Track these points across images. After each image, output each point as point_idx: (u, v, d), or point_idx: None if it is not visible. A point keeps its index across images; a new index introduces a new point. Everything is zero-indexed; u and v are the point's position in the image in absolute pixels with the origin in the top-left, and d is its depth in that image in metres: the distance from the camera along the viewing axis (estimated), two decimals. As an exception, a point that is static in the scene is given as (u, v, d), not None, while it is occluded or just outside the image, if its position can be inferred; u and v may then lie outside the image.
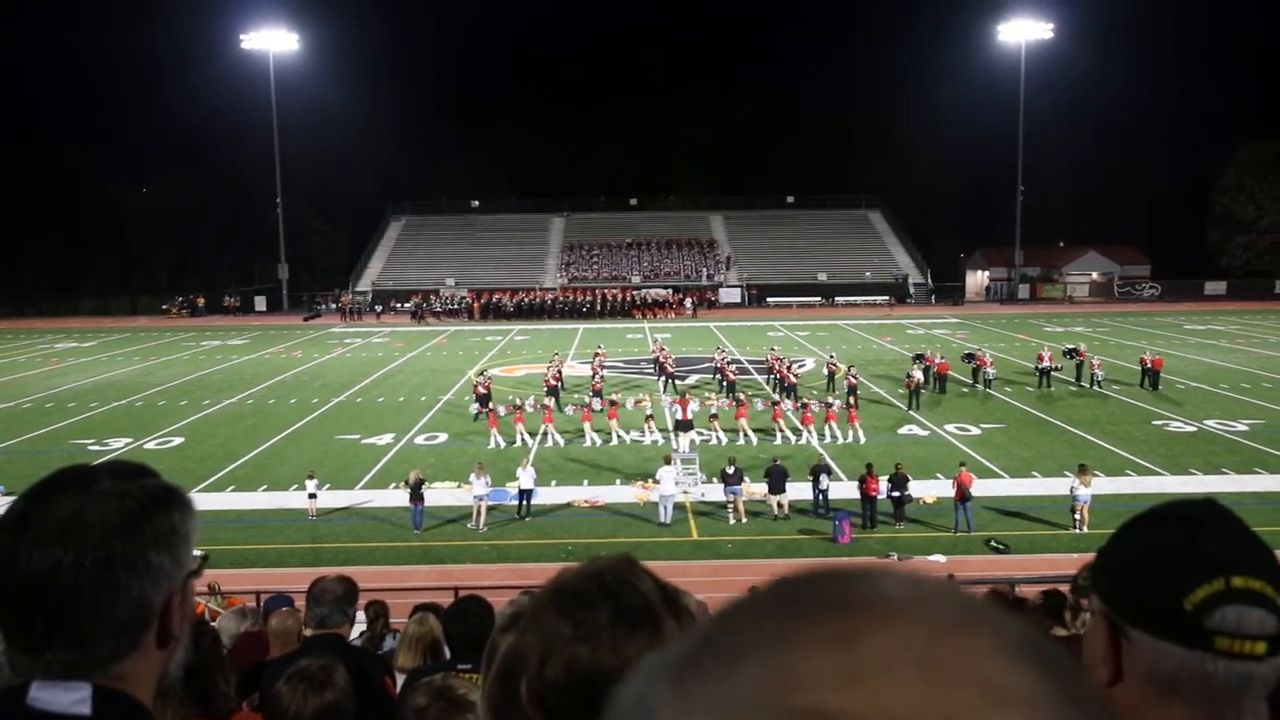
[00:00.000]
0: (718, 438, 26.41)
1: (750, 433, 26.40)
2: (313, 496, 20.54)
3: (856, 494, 19.95)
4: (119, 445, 27.16)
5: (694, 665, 0.50)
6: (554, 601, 1.25)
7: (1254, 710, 1.11)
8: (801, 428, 26.88)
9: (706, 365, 38.53)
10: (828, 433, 26.53)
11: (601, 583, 1.25)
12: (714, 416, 27.08)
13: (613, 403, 27.89)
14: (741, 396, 28.62)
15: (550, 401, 29.27)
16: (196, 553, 1.40)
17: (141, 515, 1.31)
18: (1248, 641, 1.09)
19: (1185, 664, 1.11)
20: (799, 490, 20.53)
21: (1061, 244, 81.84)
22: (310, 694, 3.16)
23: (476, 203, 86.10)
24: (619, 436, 26.63)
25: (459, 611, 4.75)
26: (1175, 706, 1.12)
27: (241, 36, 73.22)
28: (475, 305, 66.12)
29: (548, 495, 21.61)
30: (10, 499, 1.40)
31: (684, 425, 25.42)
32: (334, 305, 69.36)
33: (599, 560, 1.32)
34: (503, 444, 26.14)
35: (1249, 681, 1.10)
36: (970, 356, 35.86)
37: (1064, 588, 8.15)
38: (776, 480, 20.11)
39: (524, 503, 20.48)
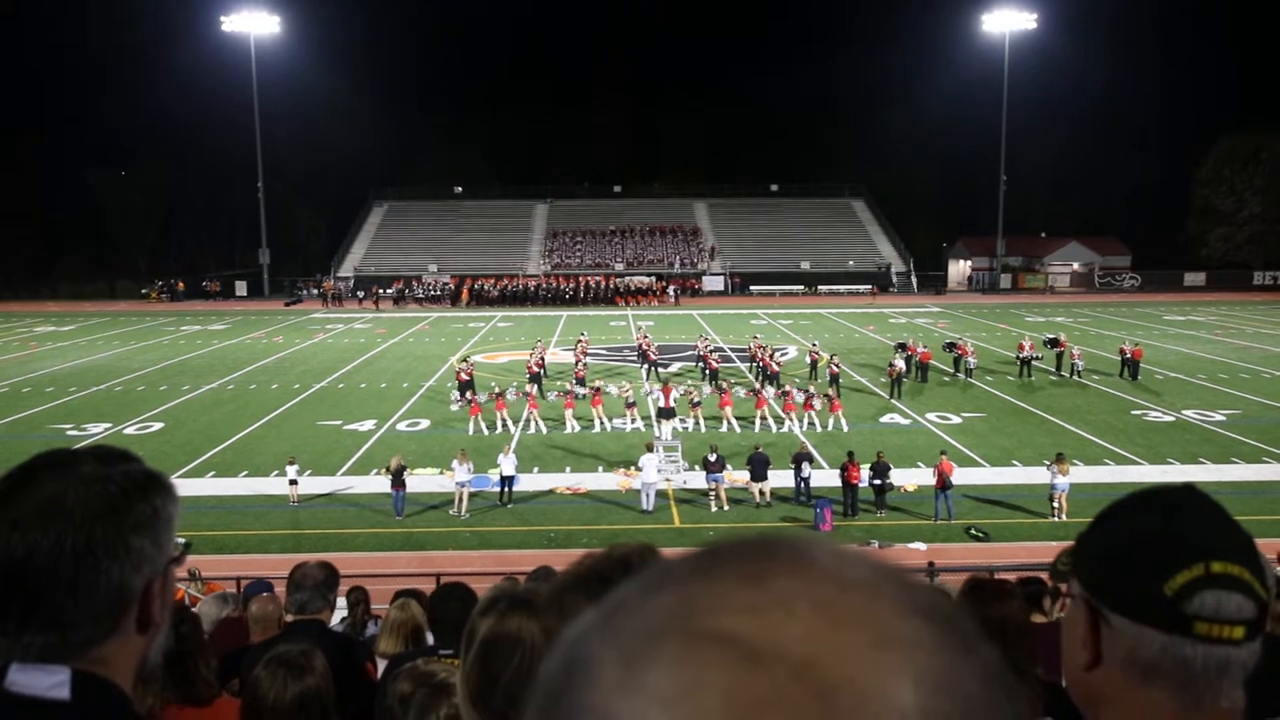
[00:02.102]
0: (700, 425, 26.47)
1: (733, 420, 26.47)
2: (294, 482, 20.47)
3: (838, 482, 20.06)
4: (98, 430, 26.97)
5: (621, 600, 0.55)
6: (581, 586, 1.25)
7: (1231, 695, 1.13)
8: (784, 415, 26.96)
9: (689, 353, 38.57)
10: (809, 420, 26.62)
11: (627, 567, 1.25)
12: (696, 404, 27.12)
13: (596, 390, 27.89)
14: (725, 384, 28.67)
15: (533, 388, 29.21)
16: (179, 540, 1.40)
17: (123, 500, 1.30)
18: (1226, 626, 1.10)
19: (1165, 649, 1.12)
20: (781, 478, 20.61)
21: (1043, 234, 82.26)
22: (289, 679, 3.15)
23: (460, 189, 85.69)
24: (602, 423, 26.65)
25: (443, 597, 4.75)
26: (1154, 690, 1.13)
27: (222, 19, 72.50)
28: (464, 292, 65.74)
29: (530, 482, 21.62)
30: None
31: (666, 413, 25.45)
32: (315, 291, 68.98)
33: (619, 547, 1.32)
34: (485, 430, 26.11)
35: (1227, 666, 1.11)
36: (952, 346, 36.04)
37: (1043, 575, 8.22)
38: (758, 468, 20.18)
39: (506, 489, 20.49)
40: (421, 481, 21.34)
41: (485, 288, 66.29)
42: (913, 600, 0.54)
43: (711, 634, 0.50)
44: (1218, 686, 1.12)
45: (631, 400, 27.41)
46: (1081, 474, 20.76)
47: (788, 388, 28.59)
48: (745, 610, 0.51)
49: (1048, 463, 19.93)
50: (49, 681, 1.25)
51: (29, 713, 1.23)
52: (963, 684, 0.51)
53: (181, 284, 71.04)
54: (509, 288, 66.48)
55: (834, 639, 0.49)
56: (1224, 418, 27.59)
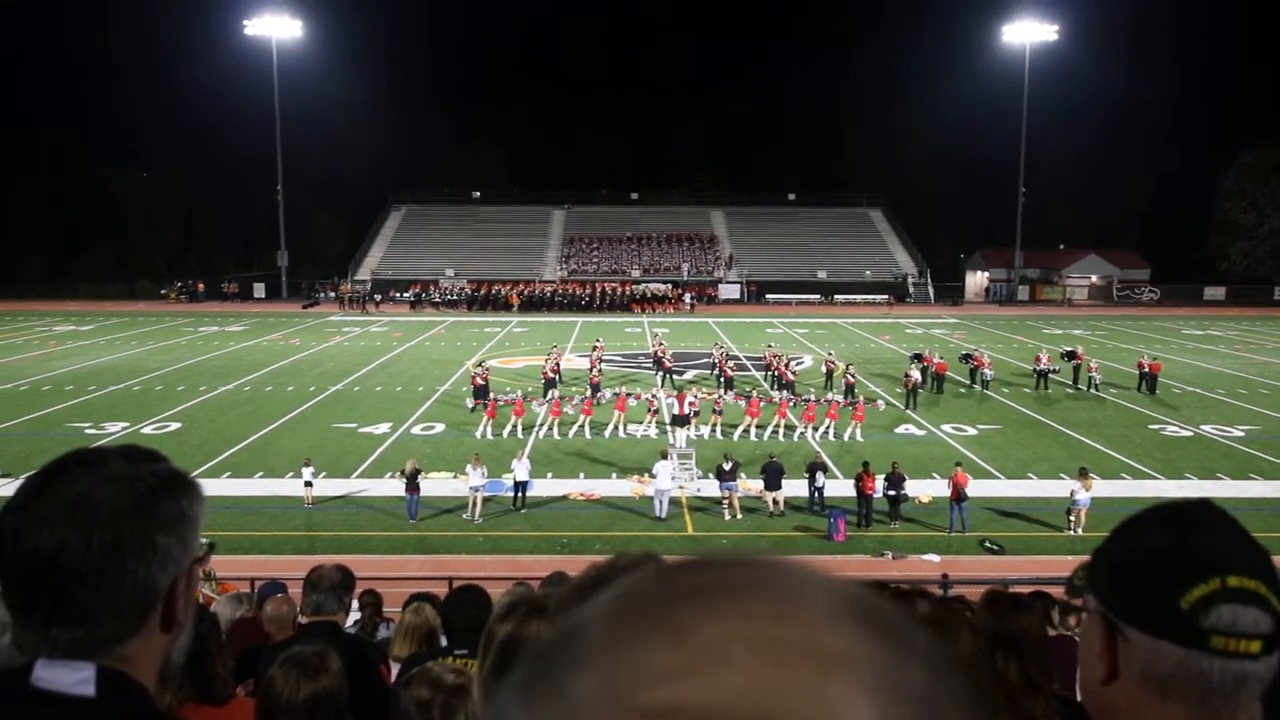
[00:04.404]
0: (717, 433, 26.45)
1: (753, 430, 26.37)
2: (309, 484, 20.55)
3: (853, 492, 19.99)
4: (115, 429, 27.15)
5: (540, 677, 0.50)
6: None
7: (1249, 709, 1.13)
8: (799, 424, 26.86)
9: (705, 361, 38.56)
10: (825, 430, 26.54)
11: None
12: (718, 412, 27.10)
13: (615, 395, 28.01)
14: (754, 394, 28.61)
15: (555, 394, 29.35)
16: (203, 540, 1.41)
17: (150, 498, 1.32)
18: (1243, 640, 1.10)
19: (1181, 663, 1.12)
20: (795, 487, 20.56)
21: (1061, 246, 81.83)
22: (303, 680, 3.16)
23: (477, 193, 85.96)
24: (620, 430, 26.67)
25: (458, 599, 4.76)
26: (1171, 705, 1.14)
27: (245, 22, 73.04)
28: (513, 297, 65.29)
29: (543, 488, 21.63)
30: (8, 481, 1.41)
31: (681, 420, 25.44)
32: (332, 295, 69.28)
33: (624, 556, 1.33)
34: (490, 435, 26.12)
35: (1244, 680, 1.12)
36: (968, 357, 35.89)
37: (1056, 589, 8.18)
38: (772, 476, 20.14)
39: (519, 494, 20.51)
40: (435, 485, 21.38)
41: (501, 293, 66.32)
42: (843, 608, 0.51)
43: (651, 712, 0.45)
44: (1235, 701, 1.12)
45: (655, 407, 27.54)
46: (1098, 488, 20.62)
47: (807, 397, 28.58)
48: (676, 674, 0.46)
49: (1067, 477, 19.81)
50: (74, 678, 1.26)
51: (54, 709, 1.25)
52: (911, 683, 0.49)
53: (201, 285, 71.49)
54: (525, 293, 66.35)
55: (779, 680, 0.46)
56: (1243, 433, 27.37)
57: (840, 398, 28.83)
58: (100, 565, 1.27)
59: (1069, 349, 37.02)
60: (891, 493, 19.62)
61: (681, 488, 21.38)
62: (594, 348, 37.40)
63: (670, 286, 69.41)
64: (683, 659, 0.47)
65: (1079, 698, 1.29)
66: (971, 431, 27.59)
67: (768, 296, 71.97)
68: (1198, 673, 1.11)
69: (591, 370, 32.58)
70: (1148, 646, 1.14)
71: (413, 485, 19.67)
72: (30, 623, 1.28)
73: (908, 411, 29.94)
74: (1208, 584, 1.11)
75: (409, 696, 2.93)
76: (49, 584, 1.26)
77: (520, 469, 20.53)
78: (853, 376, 31.02)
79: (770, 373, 33.89)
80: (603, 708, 0.47)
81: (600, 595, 0.54)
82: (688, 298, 67.34)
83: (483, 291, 66.82)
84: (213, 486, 21.44)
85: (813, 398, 28.68)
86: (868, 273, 74.22)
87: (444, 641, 5.23)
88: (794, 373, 33.20)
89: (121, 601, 1.29)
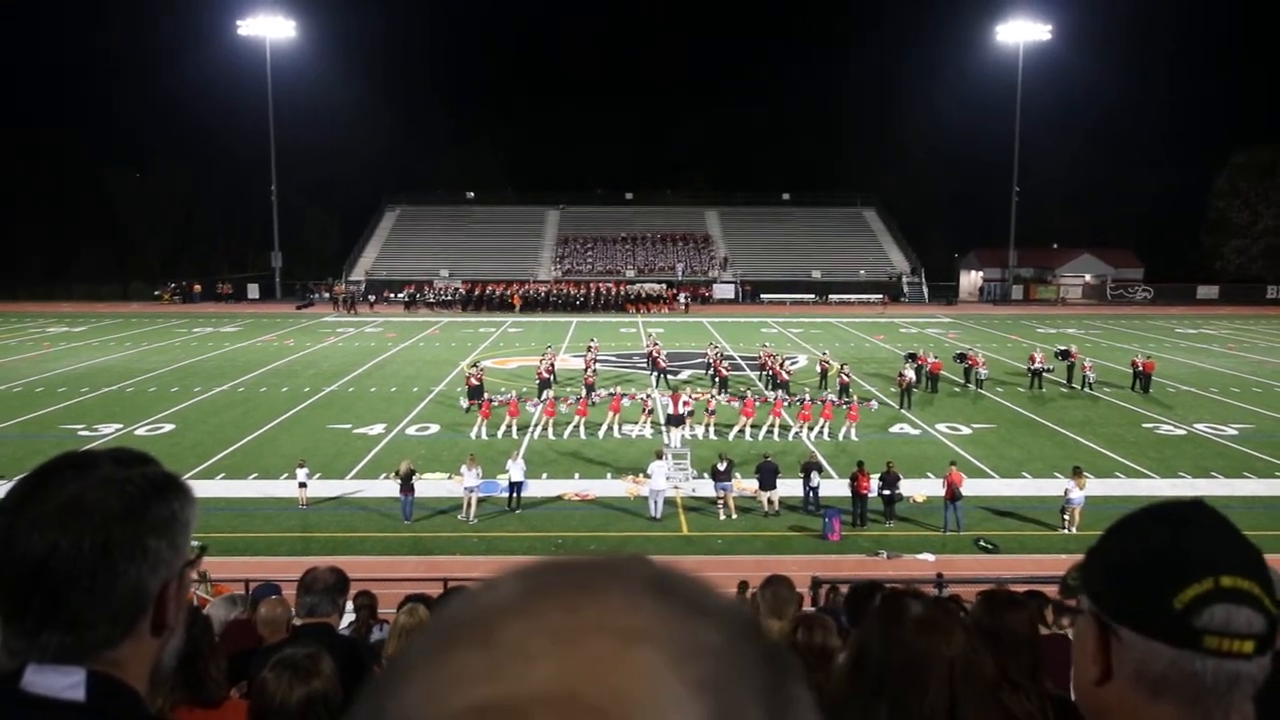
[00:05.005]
0: (710, 433, 26.45)
1: (747, 430, 26.38)
2: (303, 485, 20.51)
3: (848, 491, 20.00)
4: (110, 431, 27.09)
5: (376, 690, 0.54)
6: None
7: (1241, 709, 1.13)
8: (794, 423, 26.88)
9: (699, 360, 38.57)
10: (819, 429, 26.57)
11: None
12: (712, 412, 27.11)
13: (611, 394, 28.01)
14: (748, 394, 28.63)
15: (550, 394, 29.35)
16: (195, 543, 1.41)
17: (141, 502, 1.31)
18: (1235, 640, 1.10)
19: (1174, 663, 1.12)
20: (790, 487, 20.57)
21: (1055, 246, 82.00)
22: (295, 682, 3.16)
23: (472, 194, 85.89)
24: (616, 429, 26.66)
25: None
26: (1164, 705, 1.14)
27: (238, 23, 72.85)
28: (515, 298, 65.13)
29: (538, 488, 21.62)
30: (1, 483, 1.41)
31: (676, 420, 25.45)
32: (325, 295, 69.16)
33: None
34: (484, 435, 26.10)
35: (1237, 680, 1.12)
36: (962, 356, 35.94)
37: (1050, 588, 8.19)
38: (767, 476, 20.16)
39: (514, 495, 20.49)
40: (430, 486, 21.36)
41: (495, 293, 66.24)
42: (639, 587, 0.54)
43: (466, 712, 0.48)
44: (1227, 701, 1.12)
45: (650, 407, 27.54)
46: (1092, 487, 20.65)
47: (803, 397, 28.61)
48: (486, 674, 0.50)
49: (1061, 476, 19.85)
50: (65, 682, 1.26)
51: (45, 713, 1.24)
52: (706, 644, 0.52)
53: (198, 286, 71.36)
54: (531, 293, 66.13)
55: (579, 663, 0.49)
56: (1236, 432, 27.44)
57: (835, 397, 28.87)
58: (91, 569, 1.26)
59: (1063, 348, 37.08)
60: (886, 492, 19.65)
61: (676, 488, 21.38)
62: (588, 348, 37.39)
63: (665, 286, 69.42)
64: (489, 659, 0.50)
65: (1074, 697, 1.28)
66: (966, 431, 27.63)
67: (762, 296, 72.00)
68: (1191, 673, 1.11)
69: (586, 370, 32.58)
70: (1141, 647, 1.14)
71: (407, 486, 19.65)
72: (21, 628, 1.27)
73: (902, 411, 29.98)
74: (1200, 584, 1.11)
75: None
76: (40, 588, 1.25)
77: (515, 469, 20.52)
78: (847, 376, 31.06)
79: (765, 372, 33.90)
80: (424, 712, 0.50)
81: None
82: (682, 298, 67.35)
83: (477, 292, 66.73)
84: (207, 488, 21.39)
85: (808, 397, 28.72)
86: (862, 272, 74.28)
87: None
88: (789, 372, 33.22)
89: (113, 605, 1.28)
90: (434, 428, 27.80)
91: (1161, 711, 1.14)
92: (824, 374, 33.58)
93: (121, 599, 1.29)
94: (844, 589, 10.57)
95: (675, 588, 0.55)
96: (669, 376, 34.52)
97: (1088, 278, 77.08)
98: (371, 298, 67.49)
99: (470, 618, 0.54)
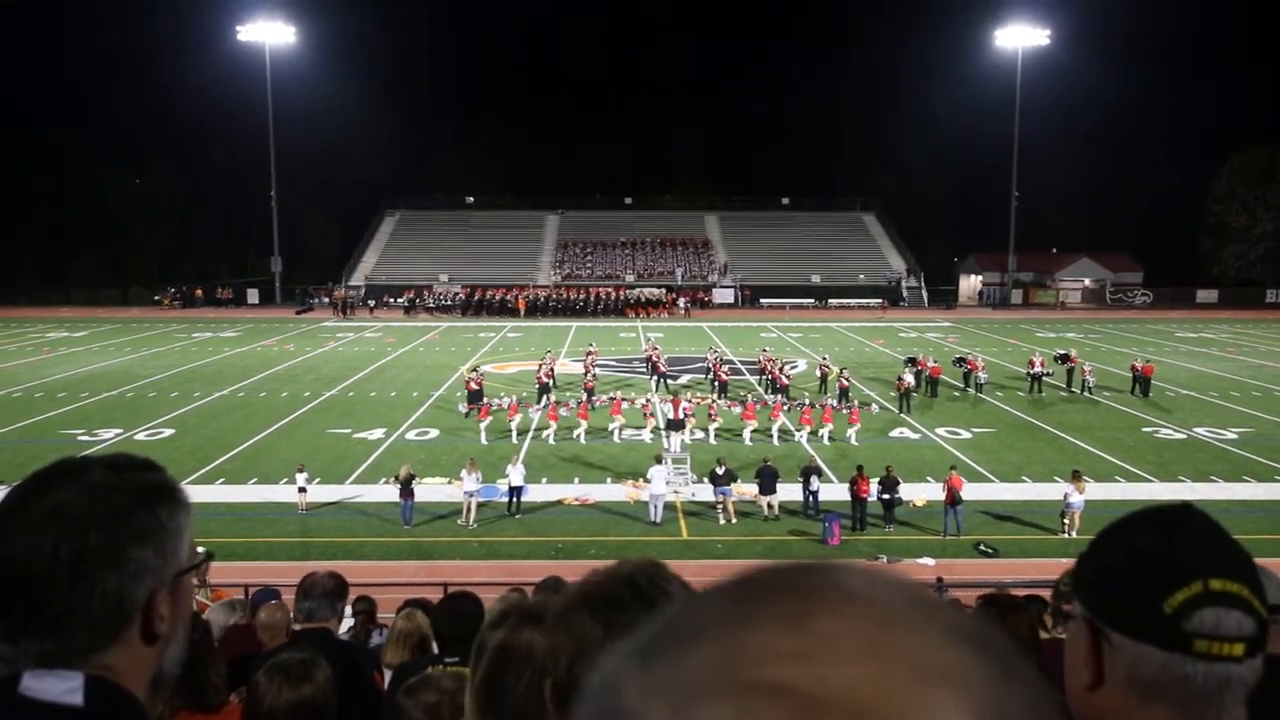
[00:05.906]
0: (709, 437, 26.43)
1: (748, 434, 26.37)
2: (302, 490, 20.50)
3: (847, 496, 19.98)
4: (109, 436, 27.08)
5: (657, 645, 0.53)
6: (585, 604, 1.25)
7: (1232, 712, 1.13)
8: (794, 428, 26.88)
9: (699, 365, 38.57)
10: (820, 433, 26.55)
11: (634, 586, 1.26)
12: (712, 417, 27.09)
13: (612, 399, 28.02)
14: (749, 398, 28.61)
15: (550, 399, 29.35)
16: (200, 549, 1.40)
17: (126, 510, 1.30)
18: (1226, 643, 1.11)
19: (1165, 666, 1.13)
20: (790, 491, 20.56)
21: (1055, 250, 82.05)
22: (286, 687, 3.16)
23: (471, 199, 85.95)
24: (616, 433, 26.66)
25: (452, 607, 4.76)
26: (1156, 709, 1.14)
27: (238, 28, 72.94)
28: (521, 302, 65.19)
29: (538, 493, 21.61)
30: (1, 488, 1.41)
31: (676, 425, 25.44)
32: (325, 300, 69.16)
33: (626, 563, 1.32)
34: (484, 440, 26.07)
35: (1228, 683, 1.12)
36: (962, 360, 35.95)
37: (1049, 593, 8.19)
38: (767, 481, 20.15)
39: (514, 500, 20.48)
40: (430, 491, 21.35)
41: (495, 298, 66.22)
42: (955, 629, 0.53)
43: (763, 686, 0.48)
44: (1219, 704, 1.12)
45: (650, 411, 27.54)
46: (1092, 491, 20.64)
47: (803, 401, 28.61)
48: (792, 658, 0.49)
49: (1061, 480, 19.84)
50: (63, 687, 1.26)
51: (43, 718, 1.24)
52: (1010, 711, 0.51)
53: (199, 290, 71.36)
54: (532, 298, 66.08)
55: (884, 680, 0.49)
56: (1236, 436, 27.44)
57: (834, 401, 28.87)
58: (68, 575, 1.25)
59: (1062, 352, 37.08)
60: (886, 496, 19.63)
61: (676, 492, 21.37)
62: (588, 353, 37.39)
63: (664, 291, 69.43)
64: (800, 645, 0.50)
65: (1068, 703, 1.29)
66: (965, 435, 27.62)
67: (762, 301, 72.02)
68: (1181, 676, 1.12)
69: (585, 375, 32.58)
70: (1132, 651, 1.15)
71: (407, 491, 19.63)
72: (5, 633, 1.27)
73: (902, 415, 29.97)
74: (1190, 588, 1.12)
75: (416, 703, 2.93)
76: (22, 593, 1.25)
77: (515, 474, 20.51)
78: (847, 380, 31.06)
79: (765, 377, 33.90)
80: (719, 676, 0.50)
81: (724, 578, 0.57)
82: (682, 302, 67.37)
83: (477, 297, 66.75)
84: (206, 493, 21.38)
85: (807, 401, 28.72)
86: (861, 277, 74.29)
87: (435, 650, 5.22)
88: (788, 376, 33.22)
89: (92, 613, 1.27)
90: (434, 432, 27.79)
91: (1153, 715, 1.14)
92: (824, 379, 33.58)
93: (101, 607, 1.27)
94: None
95: (990, 642, 0.54)
96: (668, 381, 34.53)
97: (1087, 282, 77.12)
98: (371, 302, 67.52)
99: (776, 597, 0.54)
